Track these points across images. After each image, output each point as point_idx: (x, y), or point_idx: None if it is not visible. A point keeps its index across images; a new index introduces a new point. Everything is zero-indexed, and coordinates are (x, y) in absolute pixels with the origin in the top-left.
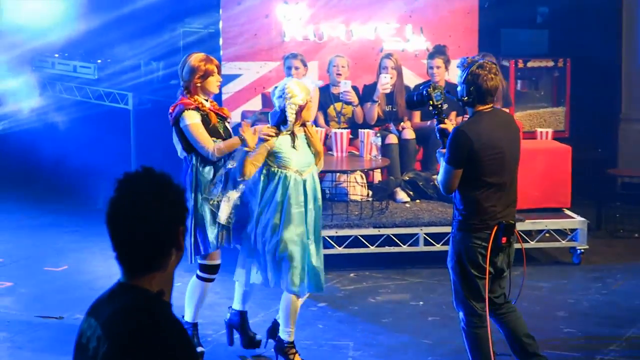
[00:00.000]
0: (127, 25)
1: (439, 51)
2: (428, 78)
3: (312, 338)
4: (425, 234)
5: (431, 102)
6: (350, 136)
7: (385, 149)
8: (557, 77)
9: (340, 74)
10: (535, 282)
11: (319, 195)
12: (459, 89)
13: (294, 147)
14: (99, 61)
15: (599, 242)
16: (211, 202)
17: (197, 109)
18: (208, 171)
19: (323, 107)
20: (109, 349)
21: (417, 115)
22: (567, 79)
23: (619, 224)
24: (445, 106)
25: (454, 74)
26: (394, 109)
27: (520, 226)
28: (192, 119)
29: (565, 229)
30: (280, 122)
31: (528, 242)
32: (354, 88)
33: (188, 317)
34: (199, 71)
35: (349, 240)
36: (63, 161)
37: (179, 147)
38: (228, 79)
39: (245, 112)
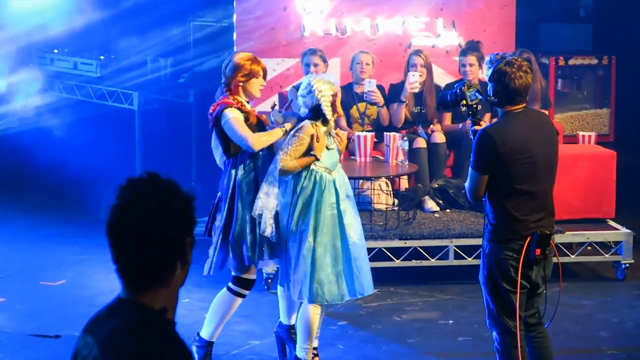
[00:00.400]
0: (132, 19)
1: (472, 47)
2: (460, 77)
3: None
4: (455, 246)
5: (464, 102)
6: (375, 139)
7: (413, 154)
8: (601, 76)
9: (364, 72)
10: (576, 299)
11: (351, 192)
12: (488, 87)
13: (327, 145)
14: (102, 57)
15: None
16: (254, 214)
17: (238, 108)
18: (248, 178)
19: (346, 107)
20: None
21: (447, 117)
22: (612, 78)
23: None
24: (479, 107)
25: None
26: (422, 110)
27: (560, 238)
28: (233, 114)
29: (609, 242)
30: (313, 120)
31: (568, 255)
32: (379, 87)
33: (205, 334)
34: (244, 70)
35: (372, 253)
36: (61, 166)
37: (218, 152)
38: None
39: (260, 113)
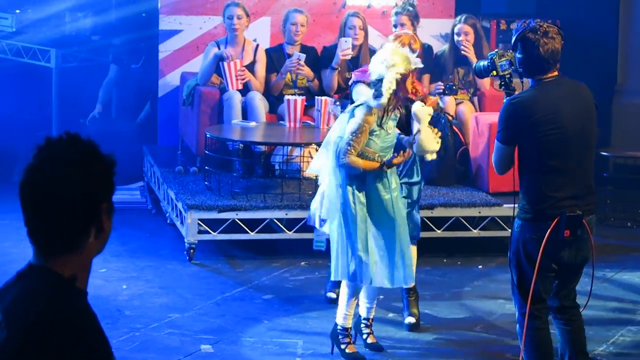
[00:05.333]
0: None
1: (404, 5)
2: None
3: (256, 335)
4: None
5: (494, 73)
6: (306, 103)
7: None
8: None
9: (299, 34)
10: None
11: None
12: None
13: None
14: (18, 11)
15: None
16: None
17: None
18: None
19: (276, 71)
20: (8, 338)
21: None
22: None
23: (609, 211)
24: (512, 77)
25: (425, 35)
26: None
27: (498, 211)
28: None
29: None
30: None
31: (506, 230)
32: (312, 49)
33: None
34: None
35: (300, 224)
36: None
37: None
38: (166, 35)
39: (185, 74)
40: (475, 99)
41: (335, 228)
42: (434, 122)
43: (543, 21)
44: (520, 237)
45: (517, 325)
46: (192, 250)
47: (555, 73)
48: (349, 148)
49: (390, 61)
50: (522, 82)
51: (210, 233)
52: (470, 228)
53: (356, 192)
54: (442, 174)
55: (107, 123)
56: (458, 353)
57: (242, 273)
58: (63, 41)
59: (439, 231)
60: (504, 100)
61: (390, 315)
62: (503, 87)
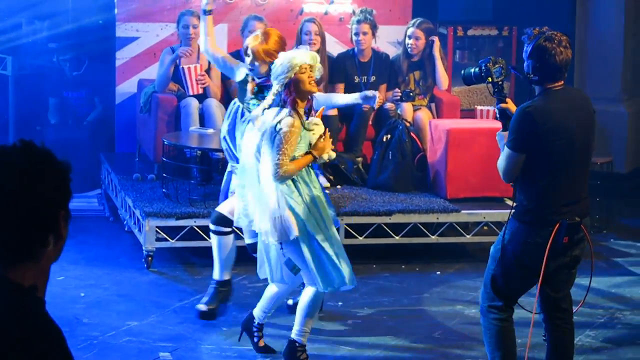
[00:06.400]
0: None
1: (365, 16)
2: (352, 46)
3: (215, 342)
4: (346, 224)
5: (490, 79)
6: None
7: None
8: (501, 48)
9: None
10: (471, 280)
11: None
12: (525, 64)
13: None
14: None
15: None
16: None
17: None
18: None
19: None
20: None
21: (340, 88)
22: (512, 50)
23: None
24: (506, 84)
25: (382, 42)
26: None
27: (455, 217)
28: None
29: (506, 221)
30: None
31: (464, 235)
32: None
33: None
34: None
35: None
36: None
37: None
38: (123, 42)
39: (142, 81)
40: (433, 105)
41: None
42: (392, 129)
43: (556, 31)
44: (515, 238)
45: (482, 318)
46: (150, 258)
47: (563, 82)
48: (279, 161)
49: (289, 59)
50: (534, 89)
51: (168, 240)
52: (429, 234)
53: (293, 200)
54: (399, 180)
55: (63, 130)
56: (417, 359)
57: (200, 280)
58: (19, 49)
59: (397, 237)
60: (495, 107)
61: (350, 321)
62: (496, 94)
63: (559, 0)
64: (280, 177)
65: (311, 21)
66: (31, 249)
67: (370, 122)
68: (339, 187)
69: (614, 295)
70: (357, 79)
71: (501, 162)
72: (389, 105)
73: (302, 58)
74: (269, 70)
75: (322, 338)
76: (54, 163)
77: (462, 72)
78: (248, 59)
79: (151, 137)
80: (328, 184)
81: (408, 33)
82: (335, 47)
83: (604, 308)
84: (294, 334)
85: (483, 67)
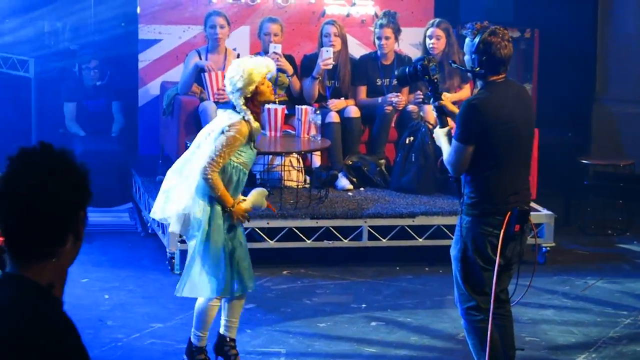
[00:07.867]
0: None
1: (389, 20)
2: (375, 48)
3: (239, 345)
4: (369, 226)
5: (427, 77)
6: (286, 112)
7: (326, 129)
8: (523, 50)
9: (272, 43)
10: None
11: None
12: (466, 58)
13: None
14: None
15: (567, 239)
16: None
17: None
18: None
19: None
20: None
21: (363, 91)
22: (534, 52)
23: (590, 219)
24: (440, 82)
25: (404, 44)
26: (337, 85)
27: None
28: None
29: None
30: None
31: None
32: (289, 58)
33: None
34: None
35: (282, 233)
36: None
37: None
38: (146, 44)
39: (165, 83)
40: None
41: (202, 244)
42: (414, 131)
43: (497, 25)
44: (470, 233)
45: (463, 321)
46: (173, 260)
47: (504, 75)
48: (212, 161)
49: (243, 70)
50: (475, 82)
51: None
52: (452, 237)
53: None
54: (422, 182)
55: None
56: None
57: None
58: (42, 51)
59: (420, 240)
60: (432, 104)
61: (373, 323)
62: (432, 92)
63: (580, 2)
64: (205, 177)
65: (330, 23)
66: (50, 249)
67: (392, 125)
68: (361, 189)
69: (638, 298)
70: (379, 82)
71: (450, 157)
72: (411, 107)
73: (259, 70)
74: None
75: (346, 339)
76: (72, 164)
77: (396, 72)
78: None
79: (174, 139)
80: (351, 186)
81: (428, 33)
82: (357, 50)
83: (628, 310)
84: (191, 335)
85: (419, 66)
